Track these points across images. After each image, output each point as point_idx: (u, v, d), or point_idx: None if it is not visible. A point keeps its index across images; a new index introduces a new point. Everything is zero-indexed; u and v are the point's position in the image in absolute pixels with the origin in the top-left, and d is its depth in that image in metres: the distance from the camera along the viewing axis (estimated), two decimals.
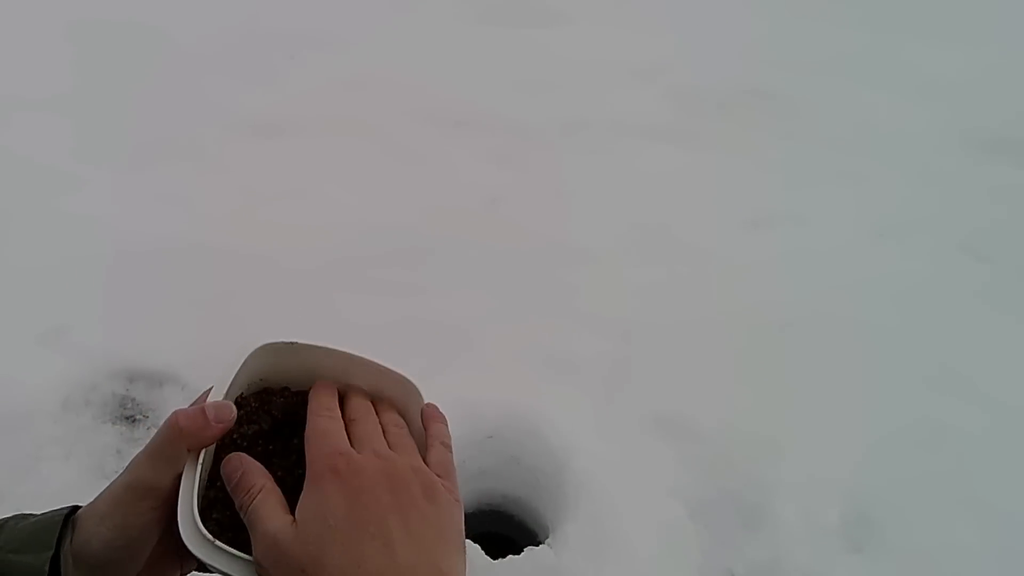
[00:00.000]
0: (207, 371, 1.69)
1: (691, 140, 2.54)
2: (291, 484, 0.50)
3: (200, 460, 0.49)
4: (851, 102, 2.89)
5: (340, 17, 2.96)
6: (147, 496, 0.48)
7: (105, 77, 2.55)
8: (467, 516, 1.49)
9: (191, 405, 0.52)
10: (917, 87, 2.98)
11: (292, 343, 0.58)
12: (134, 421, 1.54)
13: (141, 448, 0.50)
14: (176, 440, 0.48)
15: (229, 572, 0.46)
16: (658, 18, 3.21)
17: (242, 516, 0.48)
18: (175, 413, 0.49)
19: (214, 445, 0.52)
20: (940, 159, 2.70)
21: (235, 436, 0.54)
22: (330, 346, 0.60)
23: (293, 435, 0.56)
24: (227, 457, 0.51)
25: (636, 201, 2.22)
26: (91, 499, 0.51)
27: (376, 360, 0.60)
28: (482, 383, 1.59)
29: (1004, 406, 1.81)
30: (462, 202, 2.09)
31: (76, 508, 0.51)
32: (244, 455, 0.51)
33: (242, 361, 0.55)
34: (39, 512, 0.51)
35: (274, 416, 0.57)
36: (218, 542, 0.46)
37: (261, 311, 1.71)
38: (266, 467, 0.51)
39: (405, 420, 0.58)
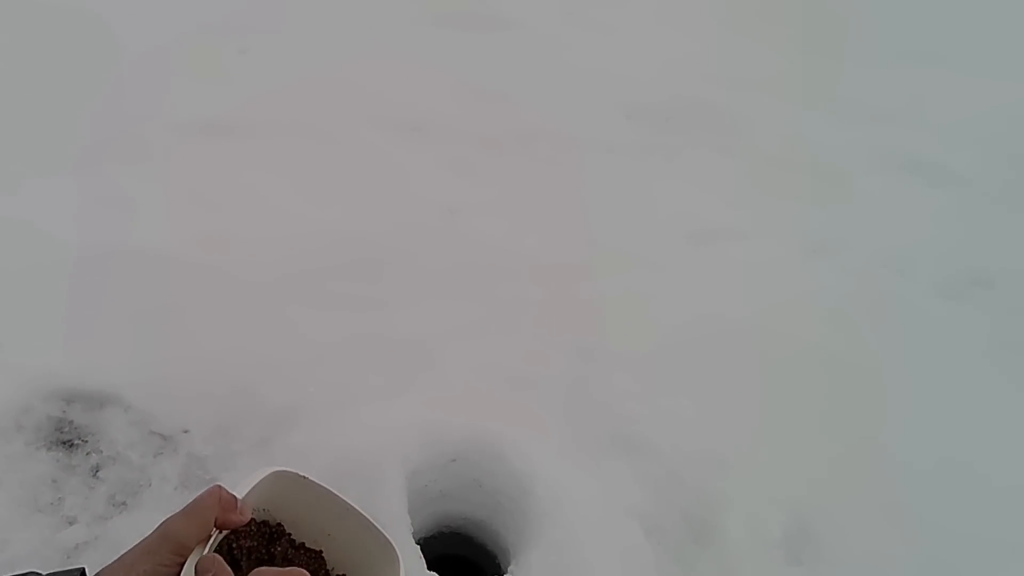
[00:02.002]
0: (153, 391, 1.52)
1: (639, 153, 2.48)
2: None
3: (212, 539, 0.54)
4: (785, 120, 2.89)
5: (294, 13, 2.75)
6: (177, 550, 0.52)
7: (39, 67, 2.29)
8: (428, 538, 1.37)
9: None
10: (842, 108, 3.01)
11: (304, 477, 0.61)
12: (72, 446, 1.36)
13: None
14: (214, 507, 0.54)
15: None
16: (608, 28, 3.13)
17: None
18: (218, 485, 0.55)
19: (215, 545, 0.56)
20: (864, 177, 2.74)
21: (233, 544, 0.58)
22: (332, 489, 0.62)
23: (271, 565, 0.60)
24: (212, 555, 0.53)
25: (588, 214, 2.15)
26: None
27: (369, 517, 0.62)
28: (445, 404, 1.49)
29: (932, 419, 1.82)
30: (420, 212, 1.97)
31: (83, 570, 0.55)
32: (222, 561, 0.53)
33: (258, 479, 0.59)
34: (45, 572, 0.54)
35: (267, 543, 0.61)
36: None
37: (210, 326, 1.55)
38: None
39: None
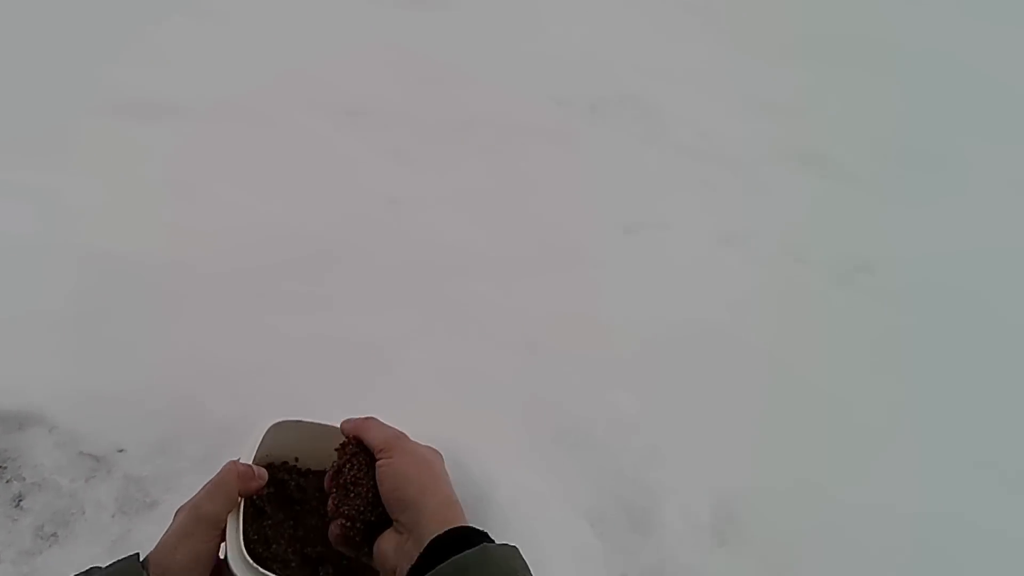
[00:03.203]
0: (80, 407, 1.34)
1: (570, 142, 2.45)
2: (287, 538, 0.65)
3: (242, 505, 0.59)
4: (701, 112, 2.94)
5: None
6: (212, 526, 0.57)
7: None
8: None
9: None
10: (752, 103, 3.11)
11: (299, 421, 0.68)
12: None
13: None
14: (234, 481, 0.58)
15: None
16: (543, 13, 3.03)
17: None
18: (232, 461, 0.60)
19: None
20: (767, 169, 2.85)
21: (254, 496, 0.63)
22: (325, 422, 0.68)
23: (290, 504, 0.68)
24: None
25: (529, 205, 2.10)
26: None
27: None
28: (403, 411, 1.41)
29: (839, 401, 1.95)
30: (362, 203, 1.84)
31: (137, 555, 0.56)
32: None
33: (259, 440, 0.64)
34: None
35: (280, 483, 0.68)
36: (259, 568, 0.56)
37: (145, 332, 1.39)
38: (272, 525, 0.65)
39: None
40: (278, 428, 0.66)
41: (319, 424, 0.69)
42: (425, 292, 1.70)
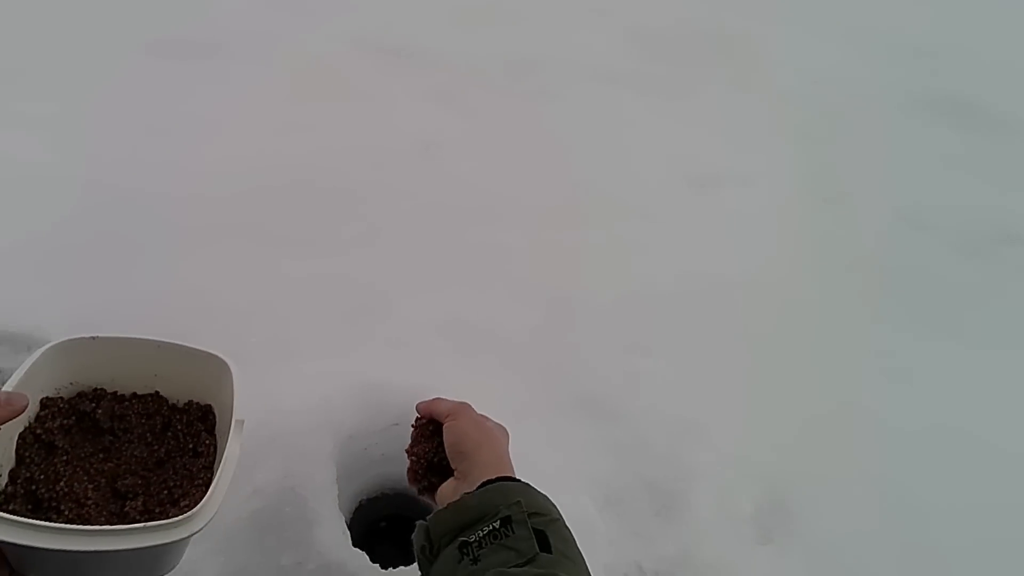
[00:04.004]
0: (83, 334, 1.41)
1: (645, 87, 2.23)
2: (92, 473, 0.57)
3: None
4: (808, 53, 2.58)
5: None
6: None
7: None
8: (372, 499, 1.24)
9: None
10: (876, 42, 2.68)
11: (93, 338, 0.61)
12: None
13: None
14: None
15: (9, 540, 0.46)
16: None
17: None
18: None
19: (13, 443, 0.56)
20: (891, 120, 2.45)
21: (38, 431, 0.58)
22: (134, 336, 0.61)
23: (101, 434, 0.61)
24: None
25: (582, 154, 1.93)
26: None
27: (183, 343, 0.62)
28: (394, 361, 1.35)
29: (935, 395, 1.64)
30: (395, 145, 1.77)
31: None
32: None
33: (35, 357, 0.57)
34: None
35: (83, 414, 0.61)
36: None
37: (150, 264, 1.41)
38: (68, 460, 0.58)
39: (219, 393, 0.63)
40: (67, 349, 0.59)
41: (123, 337, 0.62)
42: (445, 239, 1.60)
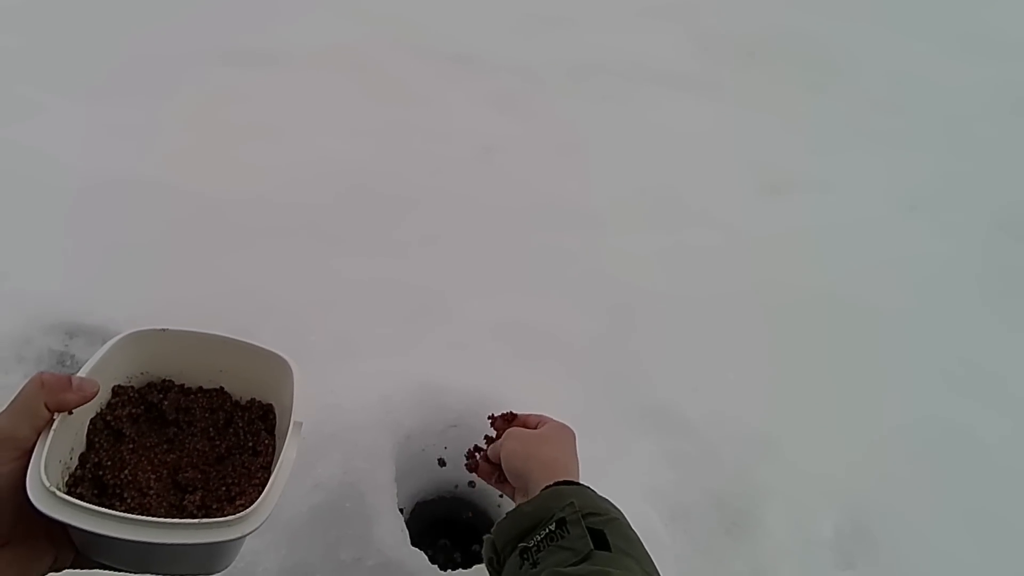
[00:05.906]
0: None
1: (714, 91, 2.19)
2: (155, 464, 0.58)
3: (55, 424, 0.51)
4: (892, 55, 2.49)
5: None
6: (12, 447, 0.49)
7: None
8: (428, 502, 1.23)
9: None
10: (966, 41, 2.56)
11: (163, 329, 0.60)
12: None
13: None
14: (36, 394, 0.50)
15: (73, 524, 0.46)
16: None
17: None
18: (39, 372, 0.52)
19: (85, 428, 0.56)
20: (984, 124, 2.33)
21: (108, 418, 0.58)
22: (201, 330, 0.61)
23: (167, 425, 0.61)
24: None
25: (647, 159, 1.91)
26: None
27: (249, 340, 0.61)
28: (453, 363, 1.35)
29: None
30: (454, 150, 1.79)
31: None
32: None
33: (108, 346, 0.57)
34: None
35: (150, 404, 0.61)
36: (57, 492, 0.47)
37: (216, 263, 1.46)
38: (134, 449, 0.59)
39: (280, 393, 0.62)
40: (140, 340, 0.59)
41: (193, 332, 0.61)
42: (505, 243, 1.61)
